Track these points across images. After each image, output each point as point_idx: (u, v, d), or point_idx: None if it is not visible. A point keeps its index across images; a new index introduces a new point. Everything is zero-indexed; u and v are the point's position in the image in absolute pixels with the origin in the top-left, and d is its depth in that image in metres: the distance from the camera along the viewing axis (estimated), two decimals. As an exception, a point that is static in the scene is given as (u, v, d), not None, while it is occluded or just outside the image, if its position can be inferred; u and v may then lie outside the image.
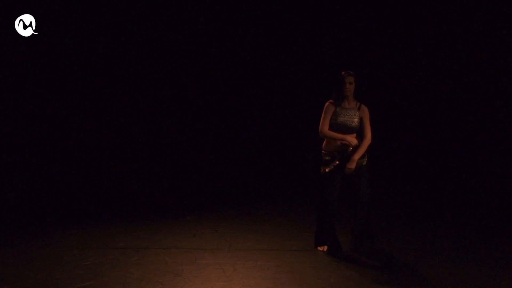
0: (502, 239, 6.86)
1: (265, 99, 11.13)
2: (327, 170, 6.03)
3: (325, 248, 6.32)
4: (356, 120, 6.02)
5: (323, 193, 6.10)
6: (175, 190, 10.18)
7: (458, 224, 7.69)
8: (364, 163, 6.14)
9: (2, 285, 5.27)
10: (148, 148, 11.15)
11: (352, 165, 5.96)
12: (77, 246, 6.58)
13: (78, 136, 10.57)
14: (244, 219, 7.95)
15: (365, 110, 6.12)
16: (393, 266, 5.89)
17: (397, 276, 5.53)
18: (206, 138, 11.16)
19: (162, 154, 11.17)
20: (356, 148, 6.00)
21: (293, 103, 10.82)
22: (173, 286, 5.28)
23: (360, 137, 6.11)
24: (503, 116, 10.52)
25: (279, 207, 8.70)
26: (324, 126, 6.06)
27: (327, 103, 6.11)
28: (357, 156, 5.98)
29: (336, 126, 6.02)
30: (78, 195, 9.59)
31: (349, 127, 6.01)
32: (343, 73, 6.04)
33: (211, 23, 10.82)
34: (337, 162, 6.01)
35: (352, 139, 5.97)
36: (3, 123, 9.75)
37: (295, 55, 11.03)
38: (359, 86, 6.05)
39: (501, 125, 10.52)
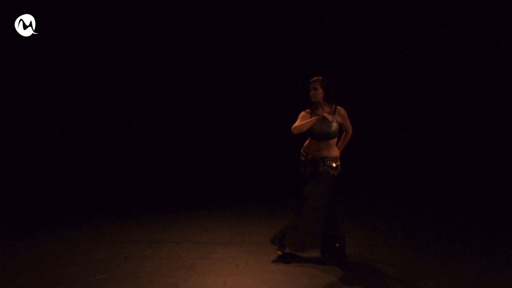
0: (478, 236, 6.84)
1: (274, 95, 11.12)
2: (306, 172, 5.92)
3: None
4: (334, 125, 5.77)
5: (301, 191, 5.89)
6: (188, 185, 10.21)
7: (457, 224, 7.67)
8: (333, 172, 5.81)
9: (17, 277, 5.32)
10: (160, 144, 11.17)
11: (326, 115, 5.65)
12: (90, 240, 6.62)
13: (79, 135, 10.54)
14: (257, 214, 7.96)
15: (341, 112, 5.86)
16: (405, 260, 5.89)
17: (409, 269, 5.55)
18: (216, 133, 11.16)
19: (175, 150, 11.19)
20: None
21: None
22: (185, 280, 5.30)
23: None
24: (498, 115, 10.52)
25: (292, 202, 8.69)
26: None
27: (302, 112, 5.90)
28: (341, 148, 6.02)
29: (313, 134, 5.83)
30: (92, 190, 9.64)
31: (327, 133, 5.76)
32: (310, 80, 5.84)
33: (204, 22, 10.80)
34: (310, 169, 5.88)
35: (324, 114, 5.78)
36: (3, 123, 9.76)
37: (287, 56, 11.01)
38: (329, 90, 5.78)
39: (496, 125, 10.52)
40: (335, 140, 5.88)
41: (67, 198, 8.99)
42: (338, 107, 5.88)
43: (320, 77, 5.80)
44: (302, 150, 6.00)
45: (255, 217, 7.74)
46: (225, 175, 10.61)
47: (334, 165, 5.81)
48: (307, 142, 5.99)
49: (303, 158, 5.95)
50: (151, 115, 10.96)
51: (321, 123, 5.76)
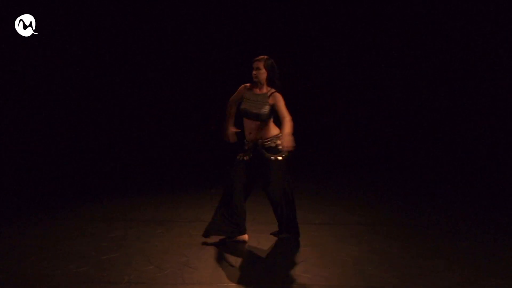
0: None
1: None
2: (245, 158, 5.70)
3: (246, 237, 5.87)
4: (265, 108, 5.49)
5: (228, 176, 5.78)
6: (199, 164, 10.22)
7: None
8: (274, 157, 5.59)
9: (29, 256, 5.37)
10: (172, 124, 11.18)
11: (288, 143, 5.27)
12: (102, 219, 6.66)
13: (84, 127, 10.58)
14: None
15: (277, 97, 5.50)
16: (415, 241, 5.91)
17: (423, 249, 5.56)
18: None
19: (187, 129, 11.21)
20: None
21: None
22: (197, 258, 5.34)
23: (278, 123, 5.63)
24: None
25: (302, 181, 8.69)
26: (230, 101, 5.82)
27: (241, 86, 5.73)
28: (288, 131, 5.31)
29: (241, 112, 5.63)
30: (104, 170, 9.67)
31: (252, 113, 5.54)
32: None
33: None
34: (246, 158, 5.70)
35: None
36: (4, 123, 9.79)
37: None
38: (273, 72, 5.54)
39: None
40: (270, 121, 5.61)
41: (80, 177, 9.03)
42: (275, 92, 5.55)
43: (265, 57, 5.56)
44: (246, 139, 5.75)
45: (265, 197, 7.71)
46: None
47: (274, 145, 5.59)
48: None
49: (246, 147, 5.72)
50: (160, 100, 10.93)
51: (253, 103, 5.55)
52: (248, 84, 5.67)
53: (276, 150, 5.57)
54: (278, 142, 5.54)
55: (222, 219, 5.69)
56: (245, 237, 5.81)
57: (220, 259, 5.36)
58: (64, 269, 5.09)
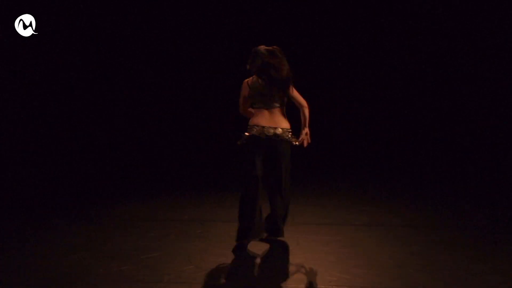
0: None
1: None
2: (240, 143, 5.55)
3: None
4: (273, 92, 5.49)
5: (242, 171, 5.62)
6: (237, 164, 10.22)
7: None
8: (288, 137, 5.52)
9: (70, 255, 5.44)
10: (209, 125, 11.17)
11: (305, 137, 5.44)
12: (143, 219, 6.71)
13: (81, 134, 10.56)
14: (307, 194, 7.94)
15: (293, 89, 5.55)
16: (457, 243, 5.81)
17: (466, 252, 5.47)
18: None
19: (225, 130, 11.21)
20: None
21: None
22: (236, 258, 5.36)
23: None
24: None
25: (342, 182, 8.65)
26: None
27: (245, 81, 5.64)
28: (306, 127, 5.49)
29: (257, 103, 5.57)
30: (144, 171, 9.73)
31: (264, 95, 5.51)
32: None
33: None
34: (247, 134, 5.51)
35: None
36: (3, 123, 9.83)
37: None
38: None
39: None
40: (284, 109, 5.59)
41: (120, 178, 9.12)
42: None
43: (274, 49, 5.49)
44: (248, 125, 5.59)
45: (305, 197, 7.71)
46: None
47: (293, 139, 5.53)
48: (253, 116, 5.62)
49: (247, 133, 5.53)
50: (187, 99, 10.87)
51: (263, 88, 5.50)
52: (247, 80, 5.61)
53: (284, 141, 5.52)
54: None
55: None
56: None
57: (258, 259, 5.35)
58: (105, 267, 5.14)
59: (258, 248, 5.64)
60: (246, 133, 5.50)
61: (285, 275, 4.99)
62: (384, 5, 10.64)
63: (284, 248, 5.64)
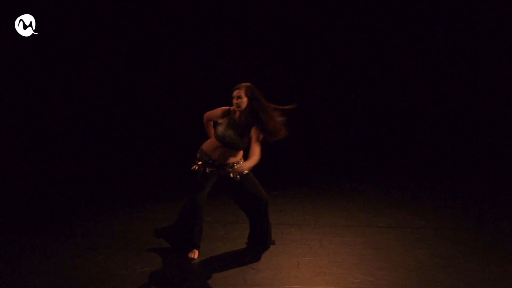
0: None
1: None
2: (195, 168, 5.43)
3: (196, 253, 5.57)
4: (245, 138, 5.34)
5: (189, 191, 5.54)
6: (262, 165, 10.23)
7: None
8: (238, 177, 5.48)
9: (97, 256, 5.51)
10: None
11: (242, 168, 5.31)
12: (165, 220, 6.72)
13: (80, 134, 10.52)
14: (331, 195, 7.92)
15: (257, 132, 5.31)
16: (481, 246, 5.77)
17: (490, 255, 5.43)
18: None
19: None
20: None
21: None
22: (259, 260, 5.40)
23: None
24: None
25: (366, 184, 8.62)
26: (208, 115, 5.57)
27: (221, 108, 5.43)
28: (251, 165, 5.26)
29: (218, 137, 5.36)
30: (162, 172, 9.68)
31: (231, 142, 5.34)
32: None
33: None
34: (208, 170, 5.41)
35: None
36: (3, 123, 9.83)
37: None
38: (256, 99, 5.25)
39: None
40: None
41: (140, 180, 9.07)
42: (256, 126, 5.32)
43: (246, 84, 5.31)
44: (201, 150, 5.49)
45: (328, 199, 7.71)
46: (298, 157, 10.55)
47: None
48: (209, 142, 5.51)
49: (206, 159, 5.43)
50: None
51: (232, 131, 5.31)
52: (227, 108, 5.39)
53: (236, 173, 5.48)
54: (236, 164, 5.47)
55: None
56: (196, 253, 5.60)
57: (281, 261, 5.37)
58: (130, 268, 5.20)
59: (281, 249, 5.66)
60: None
61: (308, 276, 5.01)
62: (384, 5, 10.57)
63: (308, 249, 5.65)
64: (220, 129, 5.33)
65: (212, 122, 5.58)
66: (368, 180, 8.70)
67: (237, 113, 5.33)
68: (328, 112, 10.95)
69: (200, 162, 5.41)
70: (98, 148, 10.26)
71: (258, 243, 5.73)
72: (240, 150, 5.47)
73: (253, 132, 5.32)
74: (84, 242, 5.95)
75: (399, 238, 5.98)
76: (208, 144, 5.47)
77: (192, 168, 5.44)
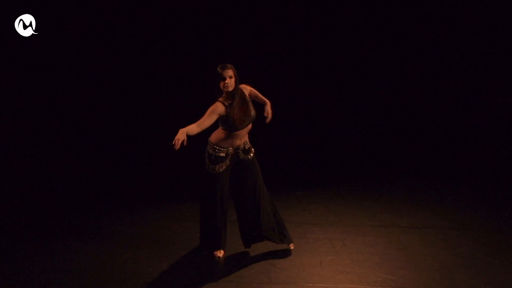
0: None
1: None
2: (221, 170, 5.39)
3: (222, 252, 5.65)
4: (251, 107, 5.37)
5: (210, 191, 5.48)
6: (286, 165, 10.29)
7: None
8: (251, 155, 5.53)
9: (123, 254, 5.66)
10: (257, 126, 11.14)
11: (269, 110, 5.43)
12: (190, 219, 6.80)
13: (81, 135, 10.32)
14: (354, 195, 7.94)
15: (247, 88, 5.43)
16: (505, 247, 5.80)
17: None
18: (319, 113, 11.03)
19: (273, 131, 11.19)
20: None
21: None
22: (283, 259, 5.48)
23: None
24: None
25: (389, 184, 8.62)
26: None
27: (218, 106, 5.20)
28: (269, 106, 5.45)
29: (237, 127, 5.30)
30: (186, 171, 9.69)
31: (249, 120, 5.37)
32: (218, 68, 5.20)
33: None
34: (228, 163, 5.41)
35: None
36: (3, 123, 9.74)
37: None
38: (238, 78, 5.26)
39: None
40: None
41: (165, 179, 9.08)
42: (242, 85, 5.40)
43: (229, 64, 5.23)
44: (214, 145, 5.37)
45: (352, 199, 7.75)
46: (322, 156, 10.56)
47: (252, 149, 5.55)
48: (220, 135, 5.38)
49: (222, 154, 5.37)
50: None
51: (242, 111, 5.28)
52: (220, 100, 5.23)
53: (249, 150, 5.54)
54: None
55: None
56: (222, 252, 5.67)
57: (304, 260, 5.45)
58: (156, 267, 5.33)
59: (304, 248, 5.74)
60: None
61: (330, 275, 5.09)
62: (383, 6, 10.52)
63: (331, 248, 5.72)
64: (234, 118, 5.23)
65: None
66: (391, 181, 8.70)
67: (227, 94, 5.22)
68: (351, 113, 10.94)
69: (222, 154, 5.36)
70: (108, 148, 10.19)
71: (278, 238, 5.71)
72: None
73: (247, 90, 5.43)
74: (110, 242, 6.09)
75: (422, 238, 6.00)
76: (218, 136, 5.39)
77: (212, 166, 5.38)
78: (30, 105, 9.98)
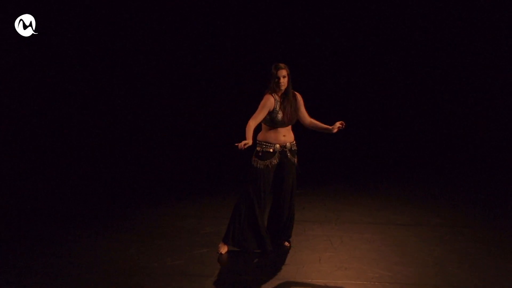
0: None
1: None
2: (270, 165, 5.54)
3: (225, 249, 5.69)
4: (297, 110, 5.62)
5: (253, 186, 5.58)
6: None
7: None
8: (295, 160, 5.74)
9: (128, 249, 5.79)
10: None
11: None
12: (194, 216, 6.96)
13: (81, 135, 10.44)
14: (352, 193, 8.07)
15: (301, 98, 5.66)
16: (497, 243, 5.96)
17: (507, 252, 5.62)
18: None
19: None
20: None
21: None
22: (282, 255, 5.61)
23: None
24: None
25: (386, 183, 8.73)
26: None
27: (269, 98, 5.45)
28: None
29: (279, 122, 5.50)
30: (196, 172, 9.76)
31: (293, 119, 5.60)
32: (273, 68, 5.44)
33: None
34: (275, 162, 5.56)
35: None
36: (3, 123, 9.81)
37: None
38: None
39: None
40: None
41: (168, 177, 9.18)
42: (297, 93, 5.66)
43: (283, 64, 5.45)
44: (262, 142, 5.55)
45: (350, 197, 7.87)
46: (322, 156, 10.62)
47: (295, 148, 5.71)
48: (265, 131, 5.58)
49: (271, 150, 5.53)
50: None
51: (288, 109, 5.48)
52: (269, 94, 5.47)
53: (295, 153, 5.73)
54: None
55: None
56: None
57: (303, 256, 5.59)
58: (160, 261, 5.44)
59: (303, 245, 5.89)
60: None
61: (329, 271, 5.21)
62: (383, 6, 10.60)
63: (329, 245, 5.87)
64: (279, 113, 5.46)
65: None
66: (388, 179, 8.81)
67: (280, 92, 5.47)
68: (349, 111, 11.00)
69: (270, 150, 5.52)
70: (111, 148, 10.34)
71: (286, 236, 5.89)
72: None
73: (300, 100, 5.65)
74: (117, 238, 6.21)
75: (417, 235, 6.15)
76: (263, 133, 5.59)
77: (261, 162, 5.54)
78: (30, 105, 10.07)
